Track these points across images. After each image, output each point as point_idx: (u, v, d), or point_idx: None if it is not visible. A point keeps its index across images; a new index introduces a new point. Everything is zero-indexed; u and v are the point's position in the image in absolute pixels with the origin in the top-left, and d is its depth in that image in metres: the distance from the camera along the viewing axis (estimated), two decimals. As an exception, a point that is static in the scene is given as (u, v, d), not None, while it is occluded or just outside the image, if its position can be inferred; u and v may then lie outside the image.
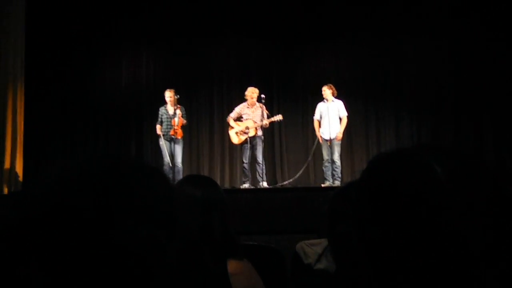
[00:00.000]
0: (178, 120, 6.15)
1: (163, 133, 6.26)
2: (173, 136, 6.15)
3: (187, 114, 6.54)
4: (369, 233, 0.58)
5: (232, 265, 1.33)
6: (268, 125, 6.45)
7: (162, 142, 6.26)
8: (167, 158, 6.22)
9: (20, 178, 6.24)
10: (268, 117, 6.40)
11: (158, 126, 6.28)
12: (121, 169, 0.54)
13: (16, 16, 6.31)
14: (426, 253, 0.52)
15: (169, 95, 6.24)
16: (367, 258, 0.59)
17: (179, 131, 6.21)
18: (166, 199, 0.56)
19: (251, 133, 6.32)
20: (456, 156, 0.58)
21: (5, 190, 6.05)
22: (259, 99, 6.37)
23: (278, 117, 6.44)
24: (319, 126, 6.47)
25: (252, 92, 6.36)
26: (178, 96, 6.31)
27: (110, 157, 0.57)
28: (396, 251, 0.55)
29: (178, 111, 6.18)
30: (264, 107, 6.35)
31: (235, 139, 6.46)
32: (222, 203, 1.43)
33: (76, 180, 0.51)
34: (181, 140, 6.25)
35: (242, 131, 6.36)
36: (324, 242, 1.72)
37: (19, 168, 6.24)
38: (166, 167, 6.23)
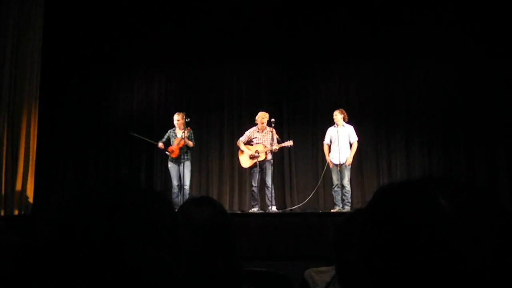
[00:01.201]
0: (180, 141, 6.19)
1: (171, 156, 6.29)
2: (168, 154, 6.21)
3: (196, 137, 6.57)
4: (374, 263, 0.58)
5: None
6: (277, 150, 6.46)
7: (171, 165, 6.29)
8: (175, 181, 6.24)
9: (31, 200, 6.29)
10: (279, 142, 6.41)
11: (160, 144, 6.30)
12: (125, 193, 0.55)
13: (33, 40, 6.48)
14: (430, 284, 0.52)
15: (177, 118, 6.29)
16: (374, 286, 0.58)
17: (176, 151, 6.20)
18: (170, 223, 0.57)
19: (261, 157, 6.33)
20: (464, 189, 0.58)
21: (16, 212, 6.09)
22: (269, 123, 6.40)
23: (289, 143, 6.45)
24: (329, 150, 6.46)
25: (262, 117, 6.40)
26: (188, 119, 6.37)
27: (114, 182, 0.58)
28: (401, 281, 0.54)
29: (183, 133, 6.22)
30: (274, 131, 6.38)
31: (245, 163, 6.47)
32: (227, 227, 1.37)
33: (82, 205, 0.52)
34: (189, 163, 6.27)
35: (252, 155, 6.37)
36: (332, 269, 1.70)
37: (30, 191, 6.29)
38: (174, 190, 6.24)
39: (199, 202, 1.43)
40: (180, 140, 6.16)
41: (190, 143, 6.24)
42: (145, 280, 0.51)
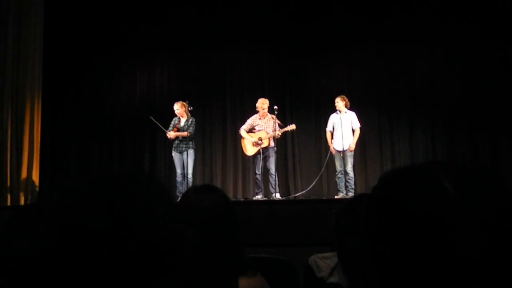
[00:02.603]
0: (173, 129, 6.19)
1: (174, 145, 6.29)
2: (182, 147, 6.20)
3: (199, 126, 6.55)
4: (379, 250, 0.58)
5: (243, 283, 1.27)
6: (280, 136, 6.45)
7: (174, 154, 6.29)
8: (179, 169, 6.25)
9: (37, 188, 6.34)
10: (281, 127, 6.40)
11: (168, 134, 6.30)
12: (118, 179, 0.55)
13: (34, 29, 6.45)
14: (436, 270, 0.52)
15: (176, 107, 6.28)
16: (378, 274, 0.58)
17: (172, 136, 6.20)
18: (169, 201, 0.56)
19: (264, 144, 6.32)
20: (469, 172, 0.57)
21: (22, 199, 6.14)
22: (271, 111, 6.38)
23: (292, 127, 6.44)
24: (332, 137, 6.45)
25: (262, 103, 6.38)
26: (191, 107, 6.35)
27: (105, 172, 0.57)
28: (406, 267, 0.54)
29: (187, 122, 6.21)
30: (276, 118, 6.36)
31: (249, 150, 6.47)
32: (229, 214, 1.36)
33: (79, 202, 0.51)
34: (193, 152, 6.26)
35: (255, 142, 6.37)
36: (336, 255, 1.71)
37: (35, 179, 6.34)
38: (178, 178, 6.25)
39: (201, 190, 1.43)
40: (177, 130, 6.18)
41: (184, 134, 6.17)
42: (168, 251, 0.50)
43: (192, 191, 1.45)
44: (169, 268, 0.50)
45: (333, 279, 1.78)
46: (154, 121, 6.36)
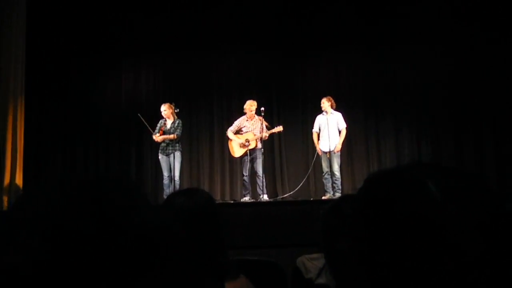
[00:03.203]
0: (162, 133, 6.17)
1: (160, 148, 6.25)
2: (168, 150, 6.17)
3: (186, 127, 6.52)
4: (366, 251, 0.58)
5: (227, 286, 1.26)
6: (267, 137, 6.46)
7: (161, 157, 6.25)
8: (166, 172, 6.21)
9: (21, 192, 6.24)
10: (268, 129, 6.41)
11: (154, 137, 6.24)
12: (101, 182, 0.55)
13: (16, 30, 6.36)
14: (423, 271, 0.52)
15: (163, 109, 6.24)
16: (365, 275, 0.59)
17: (159, 139, 6.18)
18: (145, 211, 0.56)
19: (252, 145, 6.33)
20: (454, 174, 0.58)
21: (5, 203, 6.04)
22: (258, 112, 6.39)
23: (279, 129, 6.46)
24: (318, 138, 6.48)
25: (250, 105, 6.39)
26: (178, 109, 6.33)
27: (87, 175, 0.57)
28: (393, 268, 0.55)
29: (173, 124, 6.18)
30: (263, 119, 6.37)
31: (236, 152, 6.47)
32: (214, 216, 1.35)
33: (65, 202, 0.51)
34: (179, 154, 6.23)
35: (242, 143, 6.37)
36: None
37: (19, 182, 6.23)
38: (165, 181, 6.21)
39: (185, 193, 1.43)
40: (163, 134, 6.14)
41: (171, 136, 6.13)
42: (157, 244, 0.50)
43: (176, 195, 1.45)
44: (159, 261, 0.50)
45: (321, 280, 1.78)
46: (142, 119, 6.31)
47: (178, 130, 6.18)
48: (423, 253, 0.52)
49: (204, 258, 1.26)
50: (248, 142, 6.33)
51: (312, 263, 1.87)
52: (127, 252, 0.48)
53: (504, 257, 0.52)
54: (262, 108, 6.35)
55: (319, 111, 6.54)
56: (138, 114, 6.37)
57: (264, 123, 6.38)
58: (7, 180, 6.11)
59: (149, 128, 6.30)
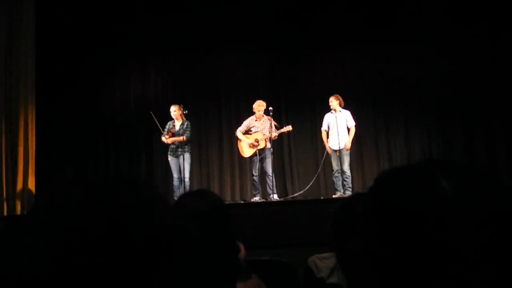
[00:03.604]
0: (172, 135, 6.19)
1: (170, 149, 6.28)
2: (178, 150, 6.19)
3: (195, 129, 6.53)
4: (378, 250, 0.57)
5: (240, 286, 1.27)
6: (277, 137, 6.46)
7: (170, 158, 6.27)
8: (175, 174, 6.23)
9: (34, 197, 6.30)
10: (278, 128, 6.41)
11: (163, 138, 6.25)
12: (114, 183, 0.55)
13: (26, 35, 6.42)
14: (435, 270, 0.52)
15: (173, 109, 6.26)
16: (377, 274, 0.58)
17: (170, 140, 6.19)
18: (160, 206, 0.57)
19: (261, 145, 6.33)
20: (466, 171, 0.57)
21: (19, 209, 6.11)
22: (267, 112, 6.38)
23: (288, 128, 6.45)
24: (327, 136, 6.46)
25: (259, 105, 6.39)
26: (186, 111, 6.35)
27: (99, 177, 0.57)
28: (405, 267, 0.54)
29: (182, 125, 6.20)
30: (272, 119, 6.37)
31: (245, 152, 6.47)
32: (224, 219, 1.36)
33: (75, 205, 0.51)
34: (189, 155, 6.25)
35: (251, 143, 6.37)
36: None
37: (31, 186, 6.30)
38: (175, 183, 6.23)
39: (195, 195, 1.43)
40: (172, 135, 6.16)
41: (181, 138, 6.15)
42: (171, 244, 0.50)
43: (186, 196, 1.45)
44: (173, 262, 0.50)
45: (333, 280, 1.78)
46: (154, 118, 6.32)
47: (187, 132, 6.20)
48: (435, 252, 0.51)
49: (217, 259, 1.26)
50: (258, 142, 6.33)
51: (323, 262, 1.86)
52: (140, 253, 0.48)
53: None
54: (271, 108, 6.34)
55: (328, 109, 6.51)
56: (151, 112, 6.38)
57: (273, 123, 6.37)
58: (20, 185, 6.18)
59: (160, 127, 6.32)
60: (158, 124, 6.31)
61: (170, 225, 0.52)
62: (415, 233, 0.53)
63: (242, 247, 1.48)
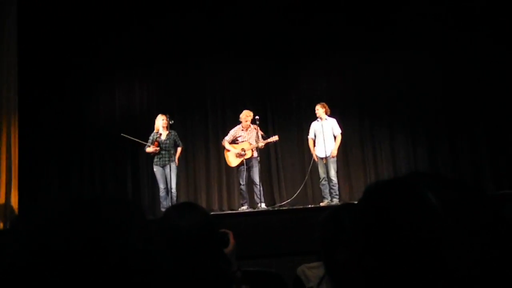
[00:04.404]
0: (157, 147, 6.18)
1: (155, 159, 6.24)
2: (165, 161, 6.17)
3: (181, 138, 6.49)
4: (366, 262, 0.58)
5: None
6: (263, 147, 6.48)
7: (156, 168, 6.23)
8: (162, 184, 6.18)
9: (16, 212, 6.17)
10: (264, 138, 6.43)
11: (150, 148, 6.20)
12: (95, 203, 0.57)
13: (8, 46, 6.33)
14: (423, 282, 0.52)
15: (161, 118, 6.24)
16: (365, 285, 0.59)
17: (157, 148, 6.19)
18: (142, 223, 0.59)
19: (248, 155, 6.34)
20: (453, 184, 0.58)
21: (1, 226, 5.98)
22: (253, 121, 6.41)
23: (274, 138, 6.49)
24: (314, 144, 6.50)
25: (246, 115, 6.41)
26: (172, 121, 6.33)
27: (83, 195, 0.59)
28: (394, 279, 0.55)
29: (169, 136, 6.19)
30: (258, 128, 6.39)
31: (232, 162, 6.47)
32: (211, 232, 1.36)
33: (58, 222, 0.53)
34: (175, 165, 6.23)
35: (238, 153, 6.38)
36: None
37: (14, 203, 6.17)
38: (162, 193, 6.18)
39: (182, 208, 1.43)
40: (158, 145, 6.13)
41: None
42: (135, 270, 0.52)
43: (173, 209, 1.45)
44: (138, 285, 0.52)
45: (322, 289, 1.77)
46: (127, 136, 6.33)
47: (179, 142, 6.27)
48: (423, 265, 0.52)
49: (207, 272, 1.26)
50: (244, 151, 6.34)
51: (312, 271, 1.86)
52: (108, 273, 0.50)
53: (502, 272, 0.52)
54: (257, 117, 6.36)
55: (314, 117, 6.56)
56: (122, 134, 6.40)
57: (260, 132, 6.40)
58: (1, 200, 6.05)
59: (139, 141, 6.31)
60: (134, 139, 6.32)
61: (139, 251, 0.54)
62: (403, 247, 0.54)
63: (231, 235, 1.49)
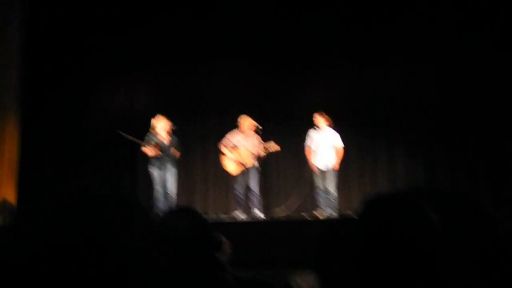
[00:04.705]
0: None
1: (153, 162, 6.20)
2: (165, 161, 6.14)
3: (178, 143, 6.49)
4: (364, 274, 0.59)
5: None
6: (265, 156, 6.47)
7: (152, 170, 6.20)
8: (158, 186, 6.16)
9: (14, 208, 6.16)
10: (265, 148, 6.41)
11: (150, 151, 6.17)
12: (98, 201, 0.57)
13: (11, 44, 6.36)
14: None
15: (165, 123, 6.23)
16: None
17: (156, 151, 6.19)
18: (146, 223, 0.59)
19: (248, 165, 6.32)
20: (451, 201, 0.59)
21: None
22: (256, 131, 6.41)
23: (276, 148, 6.45)
24: (311, 153, 6.47)
25: (244, 120, 6.41)
26: (175, 127, 6.35)
27: (86, 195, 0.59)
28: None
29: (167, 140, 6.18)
30: (259, 138, 6.39)
31: (230, 168, 6.46)
32: (208, 238, 1.38)
33: (61, 219, 0.53)
34: (174, 168, 6.21)
35: (239, 163, 6.36)
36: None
37: (13, 200, 6.16)
38: (158, 195, 6.15)
39: (179, 213, 1.44)
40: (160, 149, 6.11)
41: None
42: (134, 270, 0.52)
43: (171, 214, 1.46)
44: (136, 285, 0.51)
45: (315, 300, 1.77)
46: (124, 134, 6.30)
47: (179, 147, 6.25)
48: (420, 277, 0.53)
49: (200, 276, 1.26)
50: (245, 162, 6.32)
51: (306, 282, 1.86)
52: (100, 273, 0.50)
53: (500, 283, 0.52)
54: (260, 127, 6.37)
55: (312, 126, 6.56)
56: (119, 131, 6.34)
57: (262, 143, 6.39)
58: (0, 197, 6.04)
59: (136, 140, 6.29)
60: (131, 138, 6.29)
61: (138, 250, 0.54)
62: (402, 260, 0.54)
63: (226, 242, 1.50)
